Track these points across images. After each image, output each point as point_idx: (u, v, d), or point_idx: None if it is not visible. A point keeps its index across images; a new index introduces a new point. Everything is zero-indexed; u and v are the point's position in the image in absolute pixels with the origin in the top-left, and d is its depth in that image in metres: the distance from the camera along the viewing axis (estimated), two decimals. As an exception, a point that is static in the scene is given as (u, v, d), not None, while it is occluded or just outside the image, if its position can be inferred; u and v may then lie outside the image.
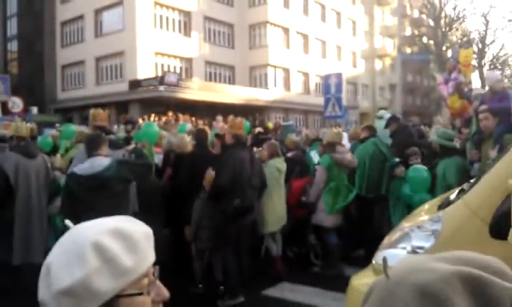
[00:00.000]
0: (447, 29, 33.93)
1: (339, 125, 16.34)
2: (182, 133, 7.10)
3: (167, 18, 29.28)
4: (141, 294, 0.93)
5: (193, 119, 23.18)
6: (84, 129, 8.56)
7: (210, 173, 5.03)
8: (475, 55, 37.15)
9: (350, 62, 42.84)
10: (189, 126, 8.80)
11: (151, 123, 7.55)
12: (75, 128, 8.48)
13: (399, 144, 6.68)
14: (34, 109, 28.49)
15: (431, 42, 34.63)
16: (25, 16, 32.94)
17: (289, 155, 7.23)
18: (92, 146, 4.19)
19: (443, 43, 33.57)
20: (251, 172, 5.28)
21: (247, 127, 7.82)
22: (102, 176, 3.96)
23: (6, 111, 18.02)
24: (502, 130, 4.88)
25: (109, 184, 3.98)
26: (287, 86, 35.46)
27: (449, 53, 32.58)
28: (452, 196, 2.98)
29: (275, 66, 34.06)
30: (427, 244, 2.70)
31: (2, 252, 4.96)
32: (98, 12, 29.81)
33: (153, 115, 23.20)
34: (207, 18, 31.56)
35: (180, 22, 30.12)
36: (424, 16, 38.19)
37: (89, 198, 4.00)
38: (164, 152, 6.43)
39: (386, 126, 7.55)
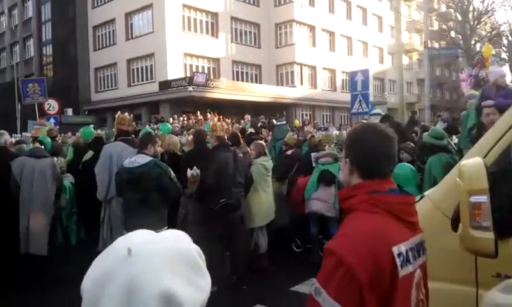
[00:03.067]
0: (476, 22, 33.36)
1: (366, 121, 16.60)
2: (169, 134, 7.79)
3: (195, 20, 29.94)
4: None
5: (221, 118, 23.76)
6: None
7: (192, 173, 4.97)
8: (504, 49, 36.43)
9: (376, 58, 42.67)
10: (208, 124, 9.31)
11: (166, 123, 8.22)
12: (93, 130, 9.25)
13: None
14: (69, 111, 29.67)
15: (459, 36, 34.13)
16: (59, 22, 34.12)
17: (289, 152, 7.66)
18: (140, 144, 4.70)
19: (471, 37, 33.06)
20: (235, 171, 5.54)
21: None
22: (134, 172, 4.35)
23: (43, 113, 18.79)
24: None
25: (138, 179, 4.34)
26: (313, 83, 35.67)
27: (478, 47, 32.12)
28: (427, 192, 3.00)
29: (301, 64, 34.31)
30: None
31: (9, 242, 5.59)
32: (128, 15, 30.72)
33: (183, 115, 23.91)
34: (234, 19, 32.09)
35: (207, 23, 30.75)
36: (451, 10, 37.63)
37: (124, 189, 4.56)
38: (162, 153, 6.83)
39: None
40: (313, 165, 6.91)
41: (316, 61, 35.23)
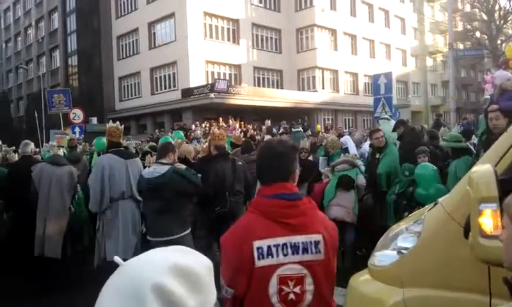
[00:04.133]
0: (502, 22, 32.55)
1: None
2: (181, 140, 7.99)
3: (216, 27, 30.17)
4: None
5: (242, 124, 23.81)
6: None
7: None
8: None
9: (400, 61, 42.15)
10: (236, 133, 9.36)
11: (179, 131, 8.38)
12: (105, 140, 9.43)
13: (407, 146, 6.74)
14: (94, 119, 30.20)
15: (485, 36, 33.38)
16: (84, 33, 34.90)
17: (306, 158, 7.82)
18: (160, 153, 4.80)
19: (497, 37, 32.27)
20: (234, 180, 5.61)
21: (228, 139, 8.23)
22: (155, 181, 4.45)
23: (68, 122, 19.21)
24: None
25: (159, 189, 4.44)
26: (335, 87, 35.45)
27: (504, 47, 31.34)
28: (440, 199, 2.98)
29: (323, 68, 34.15)
30: (410, 245, 2.76)
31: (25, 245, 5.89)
32: (151, 25, 31.18)
33: (205, 121, 24.07)
34: (255, 25, 32.20)
35: (228, 30, 30.94)
36: (476, 10, 36.86)
37: (145, 198, 4.68)
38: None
39: (394, 129, 7.70)
40: (321, 169, 7.06)
41: (338, 64, 35.01)
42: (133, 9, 32.55)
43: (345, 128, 23.75)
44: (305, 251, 1.86)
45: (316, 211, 1.98)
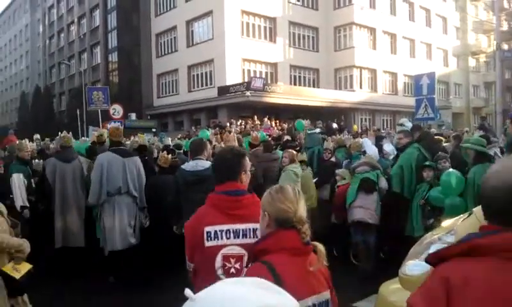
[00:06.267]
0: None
1: (430, 127, 15.89)
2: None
3: (253, 25, 30.18)
4: None
5: (277, 122, 23.70)
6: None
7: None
8: None
9: (441, 61, 41.00)
10: (254, 134, 9.32)
11: (204, 130, 8.48)
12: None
13: (425, 150, 6.57)
14: (133, 115, 30.84)
15: (533, 36, 32.05)
16: (124, 30, 35.59)
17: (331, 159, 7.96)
18: (196, 151, 4.97)
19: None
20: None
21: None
22: (202, 174, 4.65)
23: (108, 118, 19.67)
24: None
25: (206, 181, 4.51)
26: (374, 86, 34.83)
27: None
28: (475, 209, 2.92)
29: (361, 67, 33.62)
30: None
31: (44, 238, 6.20)
32: (189, 23, 31.50)
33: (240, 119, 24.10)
34: (292, 23, 32.02)
35: (265, 28, 30.89)
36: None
37: (188, 191, 4.75)
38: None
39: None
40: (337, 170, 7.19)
41: (376, 64, 34.38)
42: (172, 7, 32.96)
43: (383, 129, 23.24)
44: (245, 236, 2.34)
45: (257, 205, 2.19)
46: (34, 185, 6.71)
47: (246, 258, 2.29)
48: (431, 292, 1.28)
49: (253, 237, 2.29)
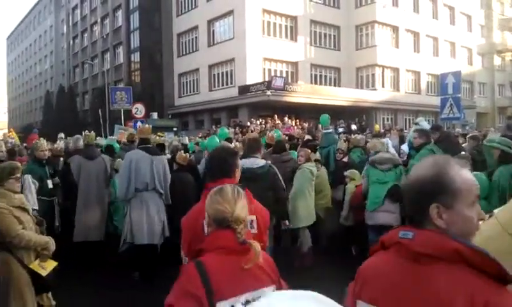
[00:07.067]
0: None
1: (454, 127, 15.60)
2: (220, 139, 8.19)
3: (274, 24, 30.11)
4: None
5: (297, 121, 23.61)
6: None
7: None
8: None
9: (465, 60, 40.23)
10: (269, 134, 9.28)
11: (214, 136, 8.54)
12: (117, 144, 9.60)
13: (445, 151, 6.40)
14: (155, 115, 31.10)
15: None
16: (146, 30, 35.96)
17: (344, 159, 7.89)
18: (252, 149, 5.22)
19: None
20: None
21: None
22: (255, 172, 4.90)
23: (131, 117, 19.89)
24: None
25: (259, 179, 4.88)
26: (396, 85, 34.39)
27: None
28: (496, 211, 2.89)
29: (383, 66, 33.23)
30: None
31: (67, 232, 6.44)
32: (210, 22, 31.61)
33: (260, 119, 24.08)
34: (313, 22, 31.83)
35: (286, 27, 30.79)
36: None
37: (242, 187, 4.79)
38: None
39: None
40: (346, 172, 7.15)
41: (399, 62, 33.93)
42: (193, 7, 33.14)
43: (406, 129, 22.92)
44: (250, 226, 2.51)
45: (252, 200, 2.59)
46: (51, 186, 6.56)
47: None
48: (350, 288, 1.49)
49: (251, 228, 2.51)
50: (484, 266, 1.27)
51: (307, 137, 10.44)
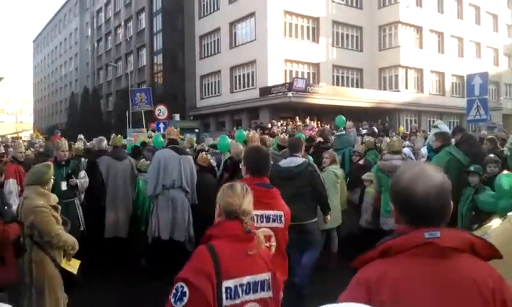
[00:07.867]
0: None
1: (480, 129, 15.27)
2: (237, 141, 8.36)
3: (296, 26, 30.03)
4: None
5: (319, 123, 23.46)
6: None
7: None
8: None
9: (491, 60, 39.40)
10: (281, 136, 9.23)
11: (225, 136, 8.55)
12: (162, 139, 9.64)
13: (466, 153, 6.22)
14: (177, 116, 31.32)
15: None
16: (169, 32, 36.31)
17: (360, 162, 7.90)
18: (293, 149, 5.43)
19: None
20: None
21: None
22: (292, 171, 5.08)
23: (153, 118, 20.06)
24: None
25: (296, 177, 5.07)
26: (420, 87, 33.90)
27: None
28: (510, 213, 2.85)
29: (407, 67, 32.81)
30: None
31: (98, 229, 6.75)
32: (232, 25, 31.73)
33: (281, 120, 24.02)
34: (335, 23, 31.64)
35: (308, 28, 30.67)
36: None
37: (280, 185, 4.80)
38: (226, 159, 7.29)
39: (451, 136, 7.11)
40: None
41: (423, 63, 33.43)
42: (215, 9, 33.32)
43: (429, 131, 22.56)
44: (274, 221, 2.91)
45: (280, 197, 3.04)
46: (64, 188, 6.05)
47: (273, 239, 2.87)
48: (352, 295, 1.45)
49: (280, 222, 2.92)
50: (488, 254, 1.46)
51: (319, 139, 10.36)
